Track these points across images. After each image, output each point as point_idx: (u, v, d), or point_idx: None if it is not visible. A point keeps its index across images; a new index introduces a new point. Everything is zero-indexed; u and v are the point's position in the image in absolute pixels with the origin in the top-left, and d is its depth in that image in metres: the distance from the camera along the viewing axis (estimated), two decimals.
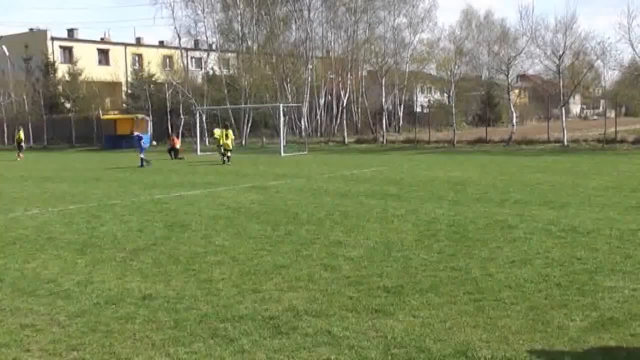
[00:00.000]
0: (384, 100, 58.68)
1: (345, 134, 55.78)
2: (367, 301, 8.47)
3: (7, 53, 74.02)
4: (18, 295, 9.39)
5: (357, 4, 61.34)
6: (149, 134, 60.91)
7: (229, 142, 37.68)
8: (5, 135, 72.04)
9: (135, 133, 39.29)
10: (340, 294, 8.88)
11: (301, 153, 45.55)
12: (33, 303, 8.98)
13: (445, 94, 71.64)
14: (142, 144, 36.63)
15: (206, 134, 54.78)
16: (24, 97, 70.29)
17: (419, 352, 6.69)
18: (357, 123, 65.11)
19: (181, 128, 59.41)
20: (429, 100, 79.55)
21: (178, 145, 45.06)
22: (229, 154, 37.18)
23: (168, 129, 58.09)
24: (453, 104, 54.67)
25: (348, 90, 61.97)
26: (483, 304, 8.20)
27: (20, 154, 48.51)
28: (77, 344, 7.29)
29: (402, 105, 70.15)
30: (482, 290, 8.81)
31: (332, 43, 65.39)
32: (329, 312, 8.07)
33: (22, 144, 50.99)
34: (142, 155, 35.97)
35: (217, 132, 41.70)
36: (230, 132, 39.27)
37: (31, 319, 8.28)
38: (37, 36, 79.13)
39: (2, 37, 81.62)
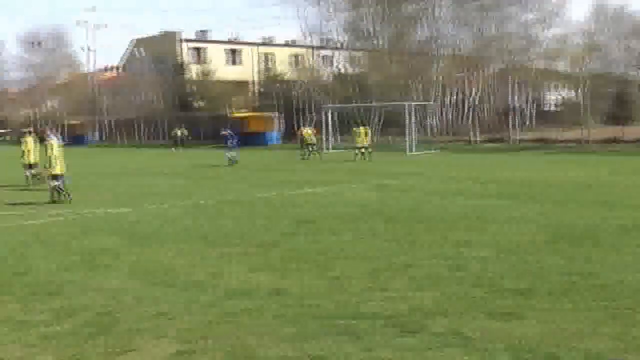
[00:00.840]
0: (512, 98, 57.60)
1: (473, 132, 55.07)
2: (496, 303, 8.37)
3: (141, 54, 76.90)
4: (153, 285, 9.78)
5: (486, 0, 60.32)
6: (279, 131, 61.91)
7: (366, 139, 38.11)
8: (139, 132, 74.65)
9: (227, 131, 38.18)
10: (469, 294, 8.80)
11: (429, 152, 45.28)
12: (167, 292, 9.33)
13: (576, 92, 69.45)
14: (230, 143, 36.37)
15: (337, 132, 55.28)
16: (157, 96, 72.71)
17: (548, 359, 6.57)
18: (485, 122, 64.05)
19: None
20: (559, 98, 77.35)
21: (311, 136, 45.56)
22: (369, 150, 37.58)
23: (296, 127, 58.91)
24: (584, 102, 53.09)
25: (476, 88, 61.05)
26: (617, 312, 7.93)
27: (173, 149, 56.17)
28: (208, 334, 7.52)
29: (532, 103, 68.53)
30: (616, 298, 8.52)
31: (461, 40, 64.52)
32: (458, 312, 8.01)
33: (180, 139, 58.76)
34: (230, 154, 35.86)
35: (305, 131, 42.16)
36: (367, 129, 39.89)
37: (166, 307, 8.59)
38: (169, 38, 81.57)
39: (137, 39, 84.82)
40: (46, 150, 20.86)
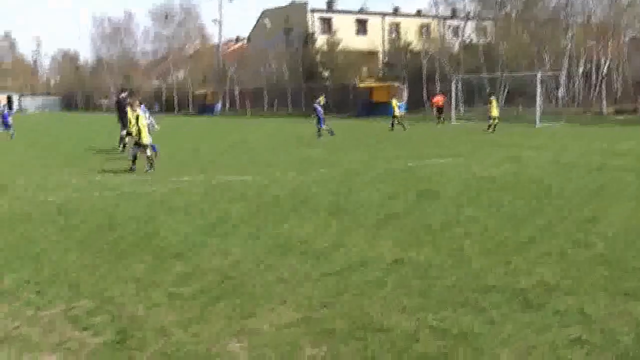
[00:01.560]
0: None
1: (604, 104, 53.28)
2: (620, 282, 8.14)
3: (269, 25, 77.93)
4: (275, 252, 9.98)
5: None
6: (404, 101, 61.76)
7: (497, 110, 37.65)
8: (266, 101, 75.76)
9: (316, 104, 36.40)
10: (592, 272, 8.59)
11: (557, 124, 44.11)
12: (289, 260, 9.51)
13: None
14: (319, 114, 35.45)
15: (463, 102, 54.74)
16: (284, 66, 73.53)
17: None
18: (616, 93, 61.82)
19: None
20: None
21: (442, 104, 45.43)
22: (496, 121, 37.06)
23: (423, 97, 58.59)
24: None
25: (608, 57, 58.91)
26: None
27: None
28: (328, 302, 7.67)
29: None
30: None
31: (594, 8, 62.37)
32: (581, 290, 7.86)
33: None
34: (320, 126, 35.31)
35: (394, 101, 41.67)
36: (497, 100, 39.53)
37: (286, 275, 8.79)
38: (297, 9, 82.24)
39: (265, 10, 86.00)
40: (135, 121, 21.69)
